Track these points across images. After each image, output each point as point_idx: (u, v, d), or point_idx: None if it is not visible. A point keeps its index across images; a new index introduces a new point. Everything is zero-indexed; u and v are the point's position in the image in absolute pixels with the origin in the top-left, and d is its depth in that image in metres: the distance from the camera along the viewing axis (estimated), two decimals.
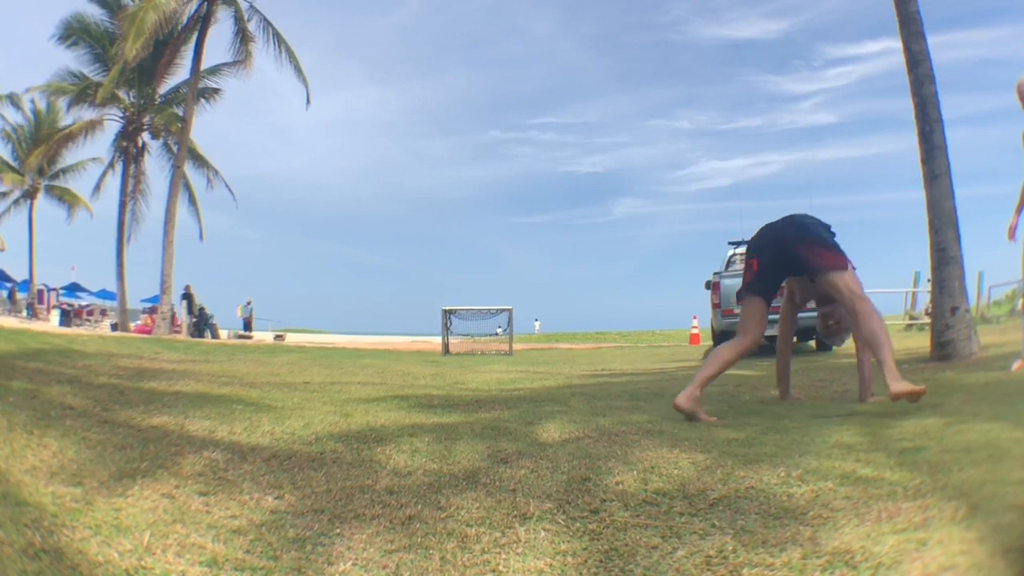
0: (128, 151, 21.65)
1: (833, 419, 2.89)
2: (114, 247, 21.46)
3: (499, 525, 1.58)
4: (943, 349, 5.56)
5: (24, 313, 25.42)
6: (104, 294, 30.94)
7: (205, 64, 18.48)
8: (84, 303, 30.10)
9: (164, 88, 21.15)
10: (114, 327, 20.75)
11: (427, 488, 1.87)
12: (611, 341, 25.42)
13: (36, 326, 14.23)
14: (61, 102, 21.69)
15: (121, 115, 21.41)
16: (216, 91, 20.61)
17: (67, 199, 26.94)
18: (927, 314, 10.70)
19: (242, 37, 18.03)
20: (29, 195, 27.20)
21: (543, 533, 1.53)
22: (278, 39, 18.07)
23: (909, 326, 15.24)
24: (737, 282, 10.03)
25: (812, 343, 10.37)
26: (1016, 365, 3.90)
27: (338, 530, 1.55)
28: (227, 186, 22.35)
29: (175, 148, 19.36)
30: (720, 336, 9.86)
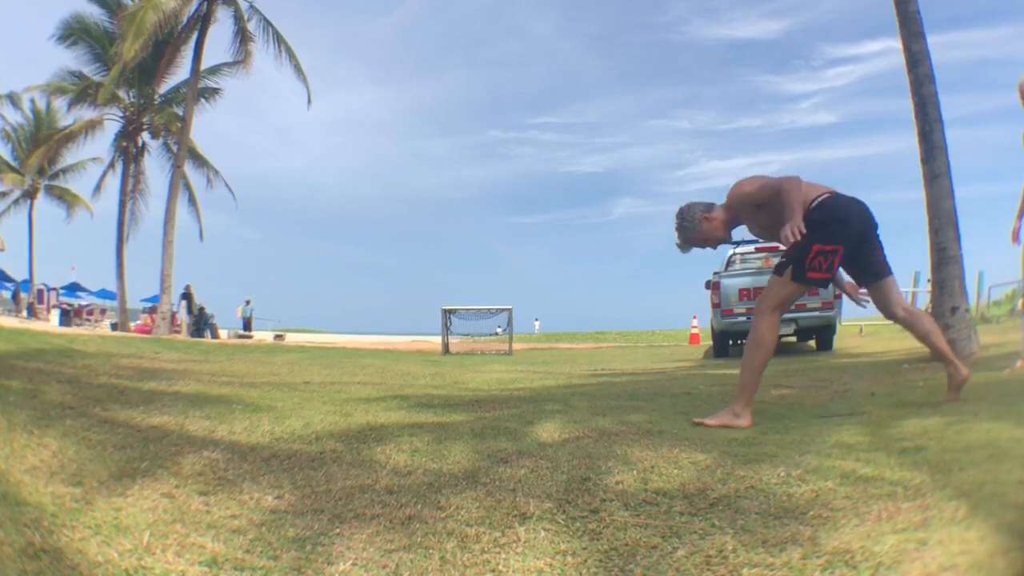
0: (128, 151, 21.65)
1: (833, 419, 2.89)
2: (114, 247, 21.49)
3: (499, 525, 1.58)
4: None
5: (24, 313, 25.42)
6: (104, 294, 30.95)
7: (205, 64, 18.51)
8: (84, 303, 30.10)
9: (164, 88, 21.17)
10: (114, 327, 20.75)
11: (427, 488, 1.87)
12: (611, 341, 25.42)
13: (36, 326, 14.23)
14: (61, 102, 21.68)
15: (121, 115, 21.41)
16: (216, 91, 20.63)
17: (67, 199, 26.95)
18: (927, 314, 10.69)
19: (242, 37, 18.03)
20: (29, 195, 27.21)
21: (543, 533, 1.53)
22: (278, 39, 18.08)
23: None
24: (737, 282, 10.05)
25: (812, 343, 10.37)
26: (1018, 365, 3.90)
27: (338, 530, 1.55)
28: (227, 186, 22.38)
29: (175, 148, 19.36)
30: (720, 336, 9.86)
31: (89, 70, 19.96)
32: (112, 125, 21.51)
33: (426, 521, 1.61)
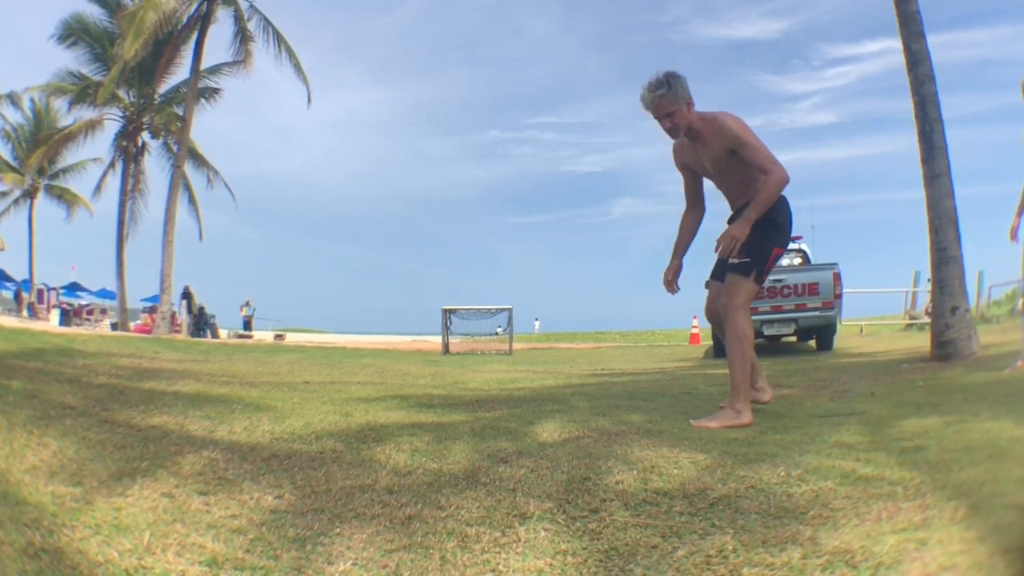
0: (128, 151, 21.65)
1: (833, 419, 2.89)
2: (114, 247, 21.48)
3: (499, 525, 1.58)
4: (943, 349, 5.56)
5: (25, 312, 25.42)
6: (104, 294, 30.94)
7: (205, 64, 18.49)
8: (84, 303, 30.09)
9: (164, 88, 21.16)
10: (114, 327, 20.75)
11: (427, 487, 1.87)
12: (611, 341, 25.41)
13: (36, 326, 14.23)
14: (61, 102, 21.67)
15: (121, 114, 21.40)
16: (216, 91, 20.61)
17: (67, 199, 26.94)
18: (927, 314, 10.70)
19: (242, 37, 18.03)
20: (29, 195, 27.20)
21: (543, 533, 1.53)
22: (278, 38, 18.08)
23: (909, 326, 15.24)
24: None
25: (812, 343, 10.37)
26: (1018, 364, 3.90)
27: (338, 529, 1.55)
28: (227, 186, 22.36)
29: (175, 148, 19.35)
30: (719, 336, 9.85)
31: (89, 70, 19.96)
32: (112, 125, 21.52)
33: (426, 521, 1.61)
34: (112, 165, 22.54)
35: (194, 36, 17.98)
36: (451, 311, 14.04)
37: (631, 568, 1.33)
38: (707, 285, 3.38)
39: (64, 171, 26.14)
